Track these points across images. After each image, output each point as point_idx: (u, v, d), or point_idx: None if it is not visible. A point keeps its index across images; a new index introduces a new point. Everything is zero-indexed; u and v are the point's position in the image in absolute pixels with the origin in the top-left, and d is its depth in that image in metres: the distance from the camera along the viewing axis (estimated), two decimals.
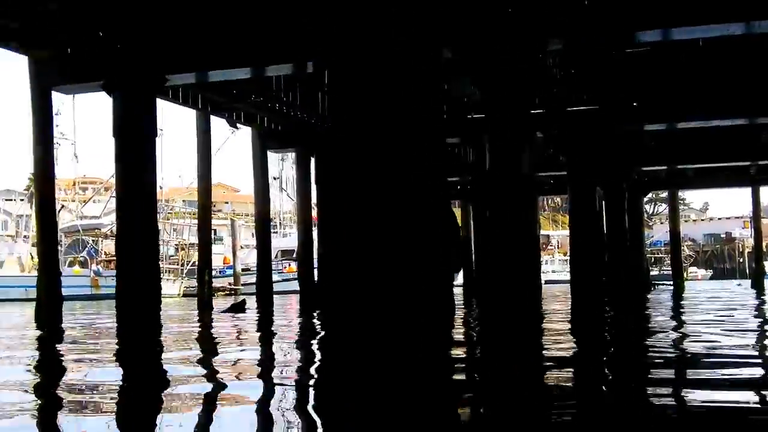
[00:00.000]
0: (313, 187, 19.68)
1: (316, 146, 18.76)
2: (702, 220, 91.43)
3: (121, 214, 11.32)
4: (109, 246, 43.87)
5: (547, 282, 50.63)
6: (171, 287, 43.64)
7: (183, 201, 68.42)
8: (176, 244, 47.48)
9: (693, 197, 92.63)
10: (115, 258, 40.54)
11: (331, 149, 4.90)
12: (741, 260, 79.49)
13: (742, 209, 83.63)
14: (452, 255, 7.47)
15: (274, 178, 45.27)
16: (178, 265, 45.42)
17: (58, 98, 17.78)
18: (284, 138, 19.57)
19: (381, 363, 5.26)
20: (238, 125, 19.13)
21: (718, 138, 21.95)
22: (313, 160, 19.53)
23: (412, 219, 4.52)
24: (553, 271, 62.95)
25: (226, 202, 70.67)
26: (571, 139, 16.80)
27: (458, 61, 12.25)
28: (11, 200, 46.32)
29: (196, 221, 23.64)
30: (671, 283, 31.57)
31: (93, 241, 43.15)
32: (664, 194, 54.53)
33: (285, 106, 18.49)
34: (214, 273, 49.49)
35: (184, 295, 43.27)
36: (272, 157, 26.59)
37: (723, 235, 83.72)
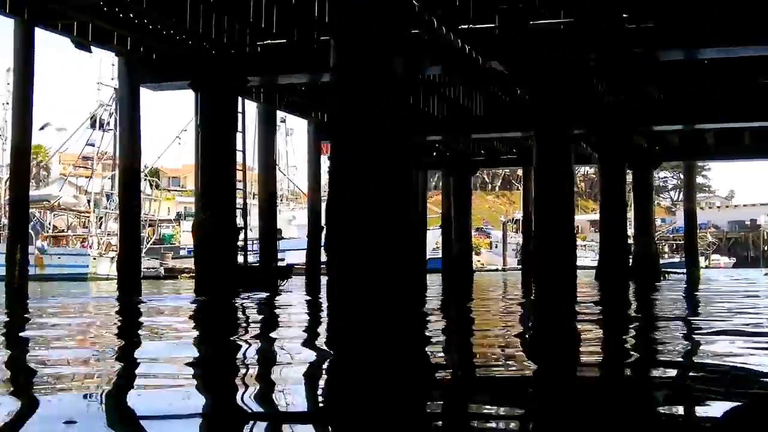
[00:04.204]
0: None
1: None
2: (727, 207, 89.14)
3: None
4: (57, 220, 39.37)
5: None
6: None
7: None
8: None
9: (718, 184, 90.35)
10: (63, 234, 36.07)
11: None
12: (765, 248, 76.85)
13: None
14: None
15: None
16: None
17: None
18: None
19: None
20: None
21: (740, 90, 17.00)
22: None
23: None
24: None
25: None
26: (536, 72, 11.89)
27: None
28: None
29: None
30: (684, 271, 26.67)
31: (40, 213, 38.39)
32: None
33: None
34: (183, 252, 45.17)
35: (143, 278, 38.37)
36: None
37: (748, 223, 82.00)
